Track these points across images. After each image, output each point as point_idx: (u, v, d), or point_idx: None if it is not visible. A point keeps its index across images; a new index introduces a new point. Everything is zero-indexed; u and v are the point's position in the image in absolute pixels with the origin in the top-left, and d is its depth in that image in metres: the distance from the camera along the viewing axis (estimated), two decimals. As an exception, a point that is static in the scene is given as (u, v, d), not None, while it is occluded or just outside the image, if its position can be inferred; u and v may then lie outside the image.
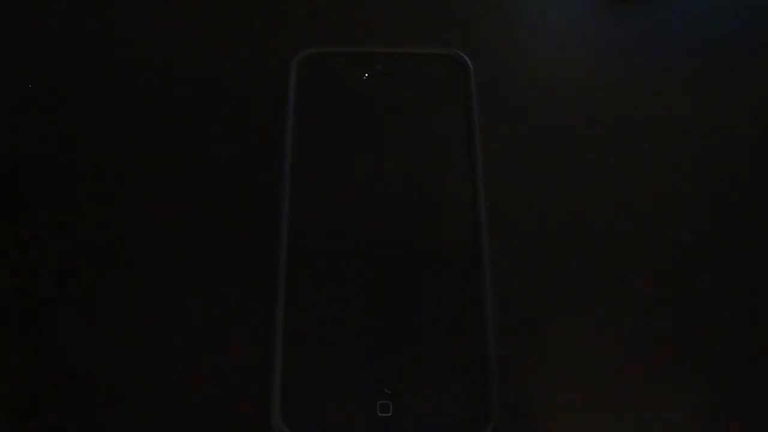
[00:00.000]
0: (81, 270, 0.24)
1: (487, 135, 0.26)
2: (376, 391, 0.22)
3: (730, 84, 0.28)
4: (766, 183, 0.26)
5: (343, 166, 0.25)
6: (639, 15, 0.30)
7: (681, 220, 0.25)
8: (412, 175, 0.25)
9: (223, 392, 0.22)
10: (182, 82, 0.27)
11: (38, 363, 0.22)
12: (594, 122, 0.27)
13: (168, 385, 0.22)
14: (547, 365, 0.23)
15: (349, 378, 0.22)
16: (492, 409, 0.21)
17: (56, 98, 0.27)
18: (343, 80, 0.27)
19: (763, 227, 0.25)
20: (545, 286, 0.24)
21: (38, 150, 0.26)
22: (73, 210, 0.25)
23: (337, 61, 0.27)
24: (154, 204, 0.25)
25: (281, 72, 0.27)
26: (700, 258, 0.24)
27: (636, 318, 0.23)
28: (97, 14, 0.29)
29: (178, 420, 0.21)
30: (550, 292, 0.24)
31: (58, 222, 0.24)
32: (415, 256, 0.24)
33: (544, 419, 0.22)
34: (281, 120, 0.26)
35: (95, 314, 0.23)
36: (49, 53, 0.28)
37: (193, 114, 0.27)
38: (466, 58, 0.28)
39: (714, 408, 0.22)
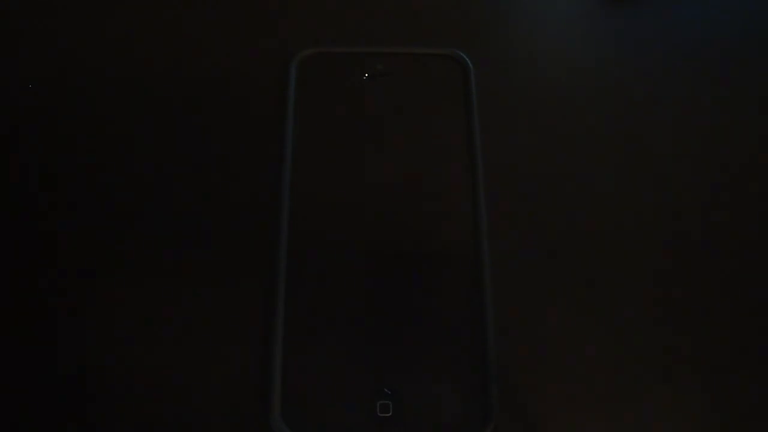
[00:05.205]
0: (80, 270, 0.24)
1: (487, 135, 0.26)
2: (376, 391, 0.22)
3: (730, 84, 0.28)
4: (766, 183, 0.26)
5: (343, 165, 0.25)
6: (639, 15, 0.30)
7: (681, 220, 0.25)
8: (412, 175, 0.25)
9: (223, 392, 0.22)
10: (182, 82, 0.27)
11: (37, 363, 0.22)
12: (594, 122, 0.27)
13: (168, 385, 0.22)
14: (547, 365, 0.23)
15: (349, 378, 0.22)
16: (492, 409, 0.21)
17: (56, 98, 0.27)
18: (343, 80, 0.27)
19: (763, 227, 0.25)
20: (545, 287, 0.24)
21: (38, 150, 0.26)
22: (72, 210, 0.25)
23: (337, 61, 0.27)
24: (153, 204, 0.25)
25: (281, 72, 0.27)
26: (700, 258, 0.24)
27: (636, 318, 0.23)
28: (97, 14, 0.29)
29: (178, 420, 0.21)
30: (550, 292, 0.24)
31: (57, 222, 0.24)
32: (415, 256, 0.24)
33: (544, 419, 0.22)
34: (281, 120, 0.26)
35: (94, 314, 0.23)
36: (49, 53, 0.28)
37: (194, 114, 0.27)
38: (466, 58, 0.28)
39: (714, 408, 0.22)
